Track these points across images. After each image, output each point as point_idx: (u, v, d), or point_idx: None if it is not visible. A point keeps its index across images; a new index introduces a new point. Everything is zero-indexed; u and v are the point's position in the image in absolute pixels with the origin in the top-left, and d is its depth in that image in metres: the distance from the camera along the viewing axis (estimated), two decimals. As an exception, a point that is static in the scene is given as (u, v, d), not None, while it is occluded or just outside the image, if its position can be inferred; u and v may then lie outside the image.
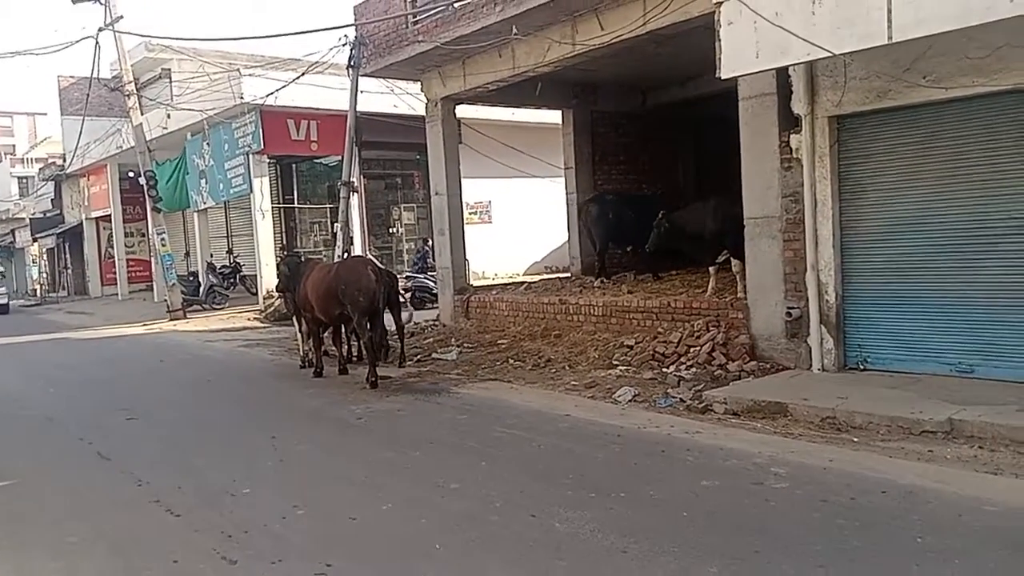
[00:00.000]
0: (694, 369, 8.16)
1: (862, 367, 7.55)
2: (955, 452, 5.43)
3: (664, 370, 8.35)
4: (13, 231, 41.24)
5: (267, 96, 17.26)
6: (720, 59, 6.91)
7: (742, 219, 8.40)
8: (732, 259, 9.42)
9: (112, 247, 28.19)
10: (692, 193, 14.56)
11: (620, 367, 8.76)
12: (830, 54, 6.21)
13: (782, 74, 7.59)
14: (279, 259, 12.79)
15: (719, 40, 6.90)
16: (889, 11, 5.74)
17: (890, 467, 5.22)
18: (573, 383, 8.51)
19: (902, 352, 7.32)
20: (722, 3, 6.83)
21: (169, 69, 23.18)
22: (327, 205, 21.32)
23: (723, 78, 7.04)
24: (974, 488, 4.76)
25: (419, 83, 13.47)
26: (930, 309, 7.12)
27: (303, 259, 11.53)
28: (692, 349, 8.52)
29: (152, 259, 23.98)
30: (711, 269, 9.97)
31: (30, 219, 36.06)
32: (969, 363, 6.88)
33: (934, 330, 7.11)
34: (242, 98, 17.63)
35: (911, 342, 7.26)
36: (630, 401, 7.57)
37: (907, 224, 7.24)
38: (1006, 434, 5.52)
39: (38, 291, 36.07)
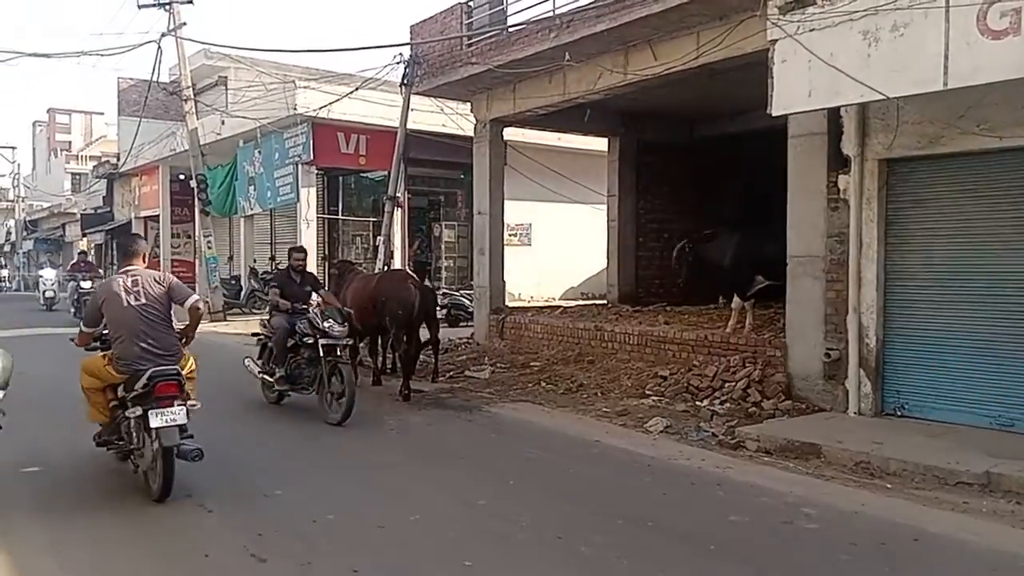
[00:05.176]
0: (728, 404, 8.11)
1: (899, 413, 7.45)
2: (991, 506, 5.34)
3: (697, 403, 8.31)
4: (64, 225, 42.32)
5: (320, 108, 17.57)
6: (772, 96, 6.93)
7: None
8: (735, 297, 9.48)
9: (158, 246, 28.75)
10: (737, 228, 14.51)
11: (653, 397, 8.74)
12: (883, 97, 6.21)
13: (833, 114, 7.58)
14: (334, 267, 12.70)
15: (772, 77, 6.92)
16: (946, 57, 5.73)
17: (923, 515, 5.15)
18: (604, 410, 8.51)
19: (941, 401, 7.21)
20: (777, 41, 6.87)
21: (226, 77, 23.67)
22: (370, 218, 21.59)
23: (774, 115, 7.06)
24: (1010, 543, 4.68)
25: (469, 104, 13.65)
26: (972, 359, 7.00)
27: (355, 269, 11.63)
28: (727, 384, 8.47)
29: (196, 261, 24.40)
30: (746, 305, 9.87)
31: (81, 214, 36.93)
32: (1010, 417, 6.75)
33: (975, 381, 6.99)
34: (295, 109, 17.93)
35: (951, 391, 7.15)
36: (661, 432, 7.54)
37: (953, 272, 7.15)
38: (1046, 491, 5.41)
39: (84, 285, 36.86)
